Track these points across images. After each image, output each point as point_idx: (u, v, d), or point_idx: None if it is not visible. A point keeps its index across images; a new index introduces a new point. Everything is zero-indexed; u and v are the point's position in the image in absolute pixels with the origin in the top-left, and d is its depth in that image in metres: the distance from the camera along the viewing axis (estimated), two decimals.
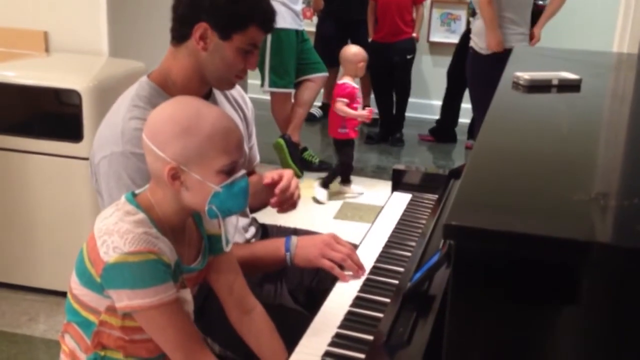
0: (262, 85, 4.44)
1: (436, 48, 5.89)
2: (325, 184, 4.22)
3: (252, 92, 4.41)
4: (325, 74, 4.58)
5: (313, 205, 4.14)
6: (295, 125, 4.51)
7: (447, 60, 5.75)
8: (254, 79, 4.69)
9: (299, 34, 4.43)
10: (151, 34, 3.56)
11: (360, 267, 1.64)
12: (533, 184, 1.09)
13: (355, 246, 1.76)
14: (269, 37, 4.25)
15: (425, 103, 6.05)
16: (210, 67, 1.64)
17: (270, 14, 1.64)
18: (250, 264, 1.67)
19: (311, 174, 4.55)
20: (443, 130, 5.48)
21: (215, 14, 1.60)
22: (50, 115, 3.03)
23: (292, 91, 4.48)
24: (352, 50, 4.34)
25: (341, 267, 1.64)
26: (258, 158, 2.01)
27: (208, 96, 1.76)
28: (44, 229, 2.90)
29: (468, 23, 5.43)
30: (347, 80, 4.22)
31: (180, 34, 1.65)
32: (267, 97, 4.61)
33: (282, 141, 4.42)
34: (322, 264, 1.65)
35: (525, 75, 1.65)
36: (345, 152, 4.26)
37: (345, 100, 4.14)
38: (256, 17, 1.60)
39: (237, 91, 1.89)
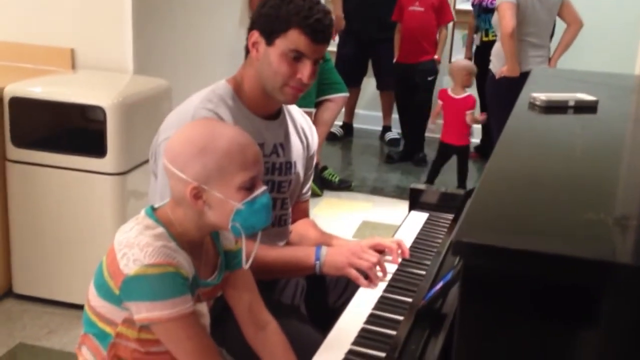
0: None
1: None
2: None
3: None
4: (346, 94, 4.59)
5: (332, 223, 4.16)
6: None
7: None
8: None
9: None
10: (175, 52, 3.63)
11: (385, 275, 1.68)
12: (544, 203, 1.10)
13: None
14: None
15: None
16: (263, 75, 1.70)
17: (315, 20, 1.64)
18: (278, 267, 1.72)
19: (331, 193, 4.57)
20: (486, 147, 5.44)
21: (261, 20, 1.68)
22: (76, 130, 3.08)
23: (313, 110, 4.51)
24: (462, 64, 4.67)
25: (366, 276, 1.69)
26: (309, 195, 2.03)
27: (277, 115, 1.81)
28: (66, 242, 2.94)
29: (472, 40, 5.43)
30: (466, 93, 4.51)
31: (246, 44, 1.74)
32: None
33: None
34: (349, 273, 1.69)
35: (541, 96, 1.66)
36: (466, 157, 4.63)
37: (473, 110, 4.50)
38: (295, 21, 1.63)
39: (305, 120, 1.94)
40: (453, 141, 4.60)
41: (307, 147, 1.93)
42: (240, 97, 1.75)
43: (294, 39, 1.64)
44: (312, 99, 4.42)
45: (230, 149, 1.33)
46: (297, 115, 1.92)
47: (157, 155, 1.69)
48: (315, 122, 4.53)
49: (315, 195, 4.50)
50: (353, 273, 1.68)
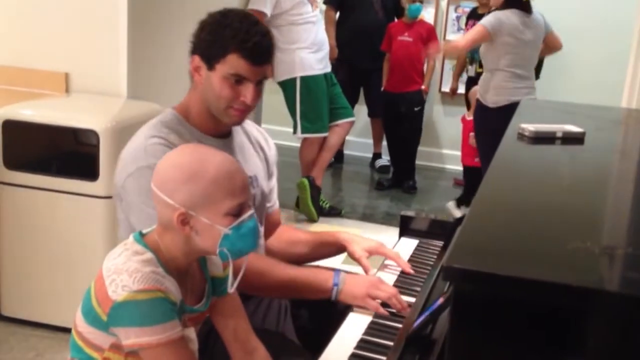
0: (295, 132, 4.48)
1: (447, 98, 5.98)
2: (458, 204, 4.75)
3: (278, 138, 4.48)
4: (353, 118, 4.65)
5: None
6: (319, 168, 4.57)
7: (458, 110, 5.83)
8: (284, 126, 4.80)
9: (327, 77, 4.49)
10: (169, 77, 3.65)
11: (404, 308, 1.68)
12: (532, 231, 1.13)
13: None
14: (298, 84, 4.34)
15: (435, 152, 6.11)
16: (207, 98, 1.72)
17: (253, 44, 1.65)
18: (293, 286, 1.73)
19: (321, 219, 4.58)
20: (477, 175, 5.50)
21: (201, 45, 1.69)
22: (68, 154, 3.09)
23: (325, 135, 4.54)
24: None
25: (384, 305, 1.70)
26: (277, 204, 2.05)
27: (229, 134, 1.82)
28: (56, 265, 2.94)
29: (460, 71, 5.53)
30: None
31: (190, 69, 1.75)
32: (290, 142, 4.66)
33: (306, 182, 4.47)
34: (367, 304, 1.70)
35: (530, 127, 1.70)
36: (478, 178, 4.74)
37: None
38: (233, 45, 1.64)
39: (259, 132, 1.96)
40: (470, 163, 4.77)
41: (265, 159, 1.94)
42: (189, 121, 1.76)
43: (233, 63, 1.65)
44: (324, 123, 4.46)
45: (218, 177, 1.34)
46: (251, 129, 1.94)
47: (125, 196, 1.70)
48: (321, 146, 4.56)
49: (311, 220, 4.51)
50: (372, 304, 1.69)
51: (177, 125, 1.73)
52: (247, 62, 1.65)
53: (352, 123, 4.67)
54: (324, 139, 4.53)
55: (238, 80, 1.67)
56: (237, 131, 1.86)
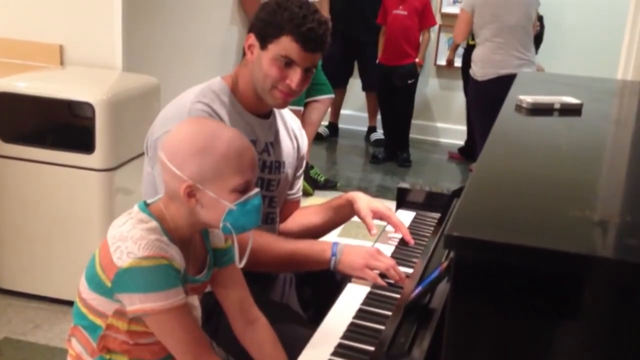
0: None
1: (443, 71, 5.97)
2: None
3: None
4: (332, 95, 4.63)
5: None
6: None
7: (453, 83, 5.82)
8: None
9: None
10: (165, 49, 3.64)
11: (402, 279, 1.70)
12: (531, 201, 1.14)
13: None
14: None
15: (430, 125, 6.12)
16: (255, 77, 1.74)
17: (307, 29, 1.67)
18: (293, 259, 1.75)
19: (317, 192, 4.60)
20: (470, 149, 5.51)
21: (257, 24, 1.72)
22: (64, 127, 3.08)
23: (302, 109, 4.52)
24: None
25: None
26: (300, 194, 2.06)
27: (269, 115, 1.84)
28: (53, 238, 2.95)
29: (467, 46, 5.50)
30: None
31: (244, 46, 1.77)
32: None
33: None
34: (365, 274, 1.72)
35: (528, 99, 1.70)
36: None
37: None
38: (288, 28, 1.67)
39: (296, 123, 1.98)
40: None
41: (297, 148, 1.96)
42: (235, 95, 1.78)
43: (285, 45, 1.68)
44: (301, 98, 4.44)
45: (228, 152, 1.35)
46: (288, 117, 1.96)
47: (155, 149, 1.71)
48: (303, 122, 4.54)
49: (306, 194, 4.52)
50: (370, 274, 1.71)
51: (222, 95, 1.76)
52: (298, 46, 1.67)
53: (331, 100, 4.63)
54: (303, 115, 4.52)
55: (287, 63, 1.69)
56: (276, 115, 1.88)
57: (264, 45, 1.70)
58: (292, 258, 1.75)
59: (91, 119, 2.80)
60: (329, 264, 1.75)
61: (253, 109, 1.80)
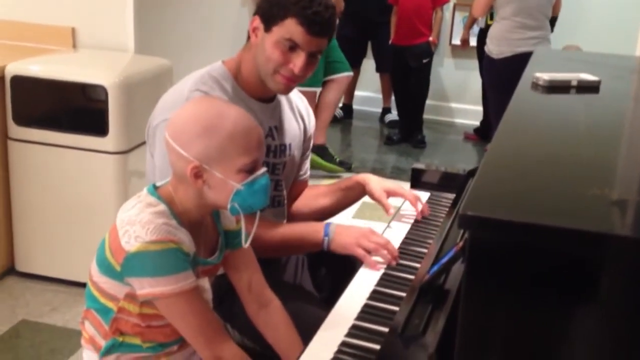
0: None
1: (458, 50, 5.91)
2: None
3: None
4: (350, 73, 4.54)
5: None
6: (321, 127, 4.47)
7: (468, 63, 5.76)
8: None
9: None
10: (177, 31, 3.63)
11: (394, 258, 1.69)
12: (548, 179, 1.12)
13: None
14: None
15: (444, 106, 6.07)
16: (258, 60, 1.70)
17: (313, 12, 1.63)
18: (287, 243, 1.74)
19: (331, 174, 4.58)
20: (485, 129, 5.46)
21: (263, 6, 1.68)
22: (77, 109, 3.08)
23: (319, 90, 4.44)
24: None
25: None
26: (308, 173, 2.05)
27: (273, 99, 1.81)
28: (68, 221, 2.96)
29: (472, 22, 5.41)
30: None
31: (248, 29, 1.74)
32: None
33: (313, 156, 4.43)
34: (355, 252, 1.71)
35: (544, 76, 1.67)
36: None
37: None
38: (293, 10, 1.62)
39: (303, 103, 1.95)
40: None
41: (303, 130, 1.93)
42: (237, 79, 1.75)
43: (289, 28, 1.63)
44: (319, 78, 4.35)
45: (234, 132, 1.34)
46: (294, 97, 1.92)
47: (154, 138, 1.70)
48: (319, 104, 4.48)
49: (335, 176, 4.46)
50: (360, 252, 1.70)
51: (223, 80, 1.73)
52: (303, 30, 1.63)
53: (349, 78, 4.51)
54: (320, 96, 4.41)
55: (292, 47, 1.65)
56: (281, 97, 1.85)
57: (268, 27, 1.66)
58: (285, 242, 1.74)
59: (104, 102, 2.80)
60: (322, 245, 1.74)
61: (256, 94, 1.76)
